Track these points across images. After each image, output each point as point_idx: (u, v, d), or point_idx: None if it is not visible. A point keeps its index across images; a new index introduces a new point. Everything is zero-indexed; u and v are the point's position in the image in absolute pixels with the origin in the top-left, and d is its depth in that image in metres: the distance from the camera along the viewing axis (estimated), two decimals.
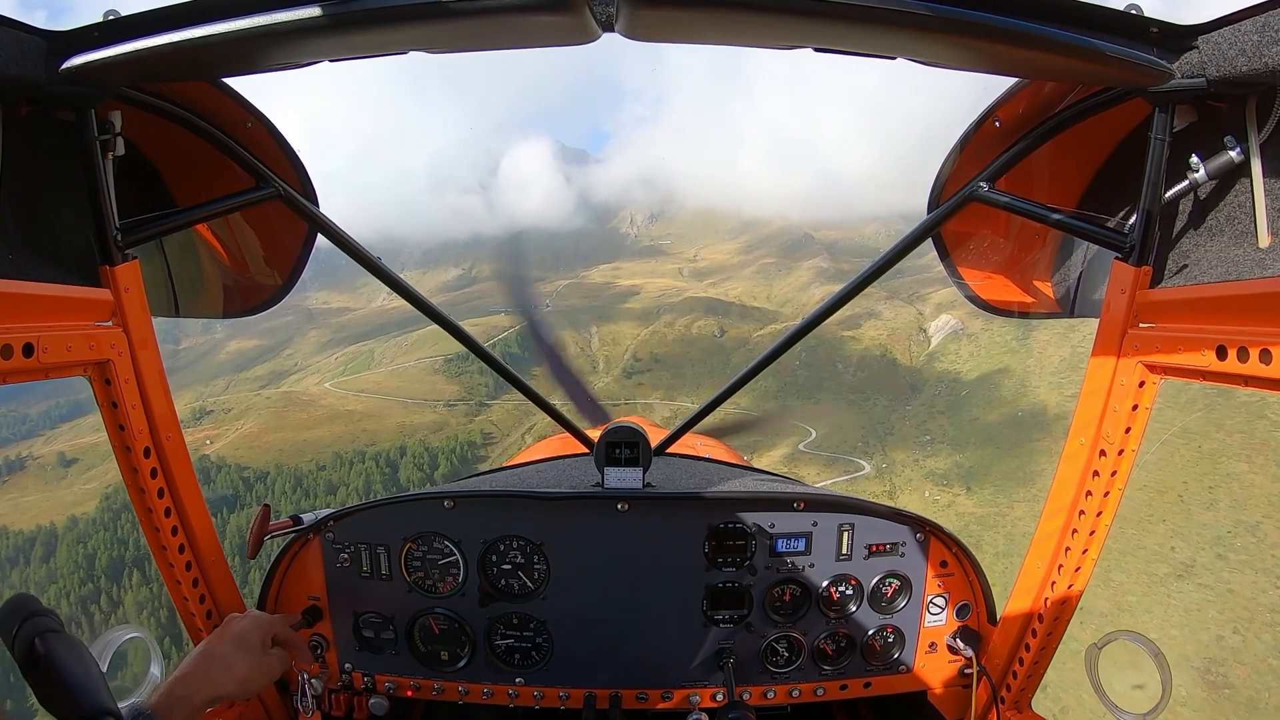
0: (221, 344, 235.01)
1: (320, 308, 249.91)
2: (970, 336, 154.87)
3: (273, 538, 2.59)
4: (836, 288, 2.74)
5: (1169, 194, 1.86)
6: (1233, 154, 1.70)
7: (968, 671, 2.69)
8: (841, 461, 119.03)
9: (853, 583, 2.69)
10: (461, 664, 2.73)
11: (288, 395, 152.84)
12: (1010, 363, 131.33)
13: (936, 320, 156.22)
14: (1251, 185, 1.70)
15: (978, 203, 2.33)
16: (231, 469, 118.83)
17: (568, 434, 3.56)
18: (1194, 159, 1.78)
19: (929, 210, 2.47)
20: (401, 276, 2.76)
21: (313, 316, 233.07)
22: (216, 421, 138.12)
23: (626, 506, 2.60)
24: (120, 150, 1.90)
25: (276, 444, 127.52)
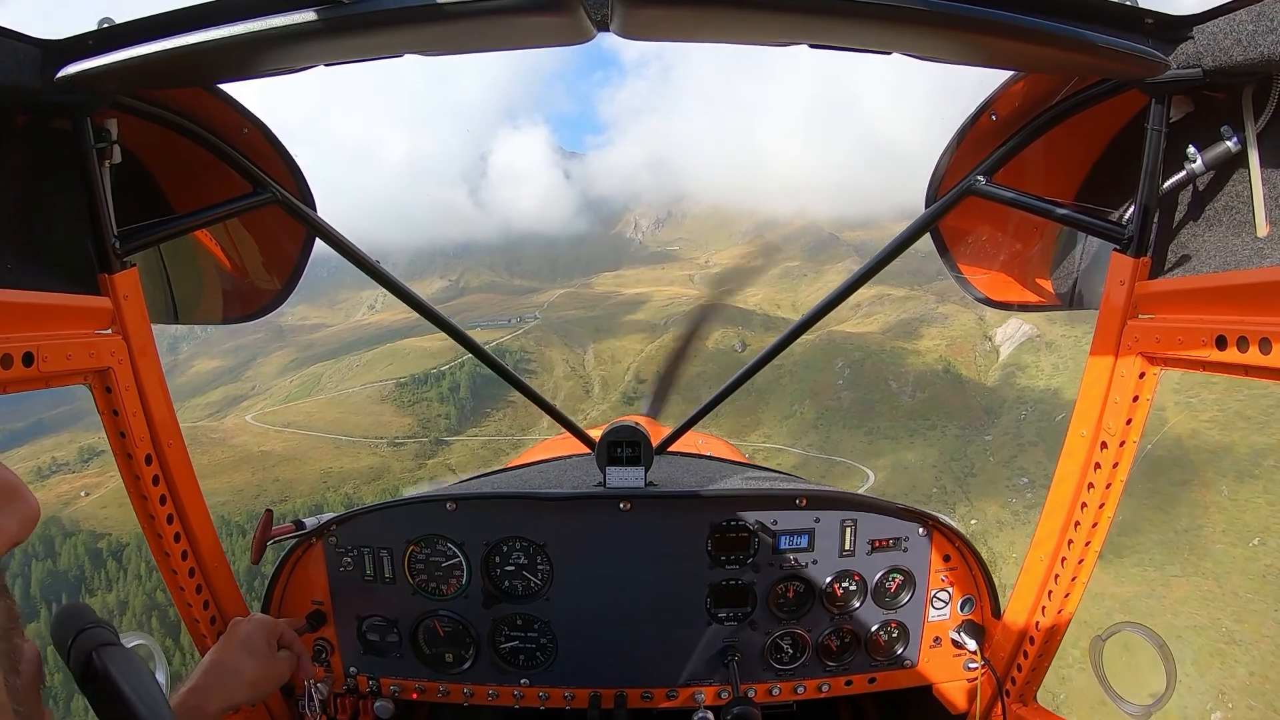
0: (185, 364, 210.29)
1: (294, 324, 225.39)
2: (1050, 345, 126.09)
3: (276, 542, 2.58)
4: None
5: (1167, 185, 1.85)
6: (1230, 144, 1.69)
7: (972, 665, 2.70)
8: None
9: (856, 578, 2.70)
10: (466, 666, 2.74)
11: (192, 432, 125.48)
12: None
13: (1003, 326, 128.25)
14: (1249, 175, 1.69)
15: (975, 197, 2.32)
16: (81, 537, 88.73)
17: (569, 434, 3.51)
18: (1191, 149, 1.77)
19: (926, 205, 2.46)
20: (401, 280, 2.72)
21: (282, 334, 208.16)
22: (103, 466, 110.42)
23: (629, 506, 2.61)
24: (117, 158, 1.90)
25: None
